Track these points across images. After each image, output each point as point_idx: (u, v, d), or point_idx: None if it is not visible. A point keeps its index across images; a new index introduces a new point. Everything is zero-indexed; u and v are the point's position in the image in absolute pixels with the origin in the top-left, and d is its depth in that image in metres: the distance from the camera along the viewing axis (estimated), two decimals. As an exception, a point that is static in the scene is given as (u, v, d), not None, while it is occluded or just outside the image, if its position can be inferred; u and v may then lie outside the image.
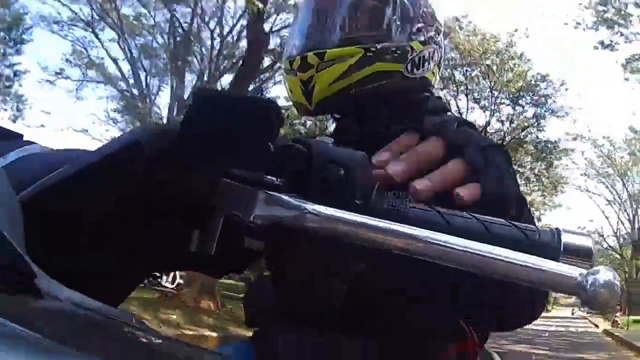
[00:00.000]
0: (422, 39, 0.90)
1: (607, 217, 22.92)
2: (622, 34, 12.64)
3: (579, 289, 0.32)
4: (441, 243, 0.35)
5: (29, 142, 0.51)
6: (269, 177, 0.39)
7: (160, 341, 0.29)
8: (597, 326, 19.25)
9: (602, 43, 13.50)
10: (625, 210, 21.88)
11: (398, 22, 0.88)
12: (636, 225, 21.00)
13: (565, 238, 0.39)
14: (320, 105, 0.86)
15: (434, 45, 0.92)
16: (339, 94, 0.84)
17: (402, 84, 0.87)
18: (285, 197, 0.38)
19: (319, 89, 0.84)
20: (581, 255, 0.38)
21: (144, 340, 0.29)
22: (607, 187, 21.22)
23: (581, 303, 0.33)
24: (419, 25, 0.91)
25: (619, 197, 21.61)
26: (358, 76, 0.84)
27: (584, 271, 0.33)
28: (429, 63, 0.91)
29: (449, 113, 0.94)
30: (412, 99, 0.93)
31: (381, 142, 0.85)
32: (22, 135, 0.54)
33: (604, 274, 0.32)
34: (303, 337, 0.73)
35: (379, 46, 0.85)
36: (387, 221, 0.37)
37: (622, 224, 22.15)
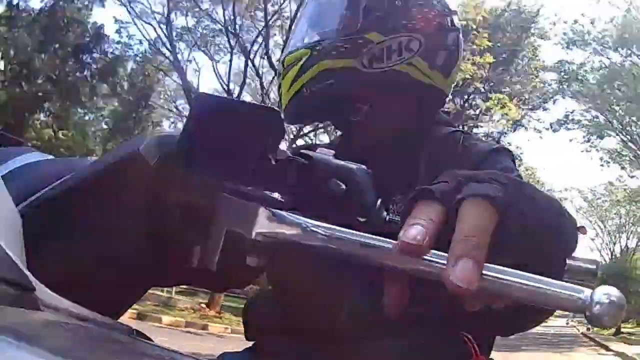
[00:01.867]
0: (382, 29, 0.82)
1: (591, 250, 29.08)
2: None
3: (585, 308, 0.32)
4: (445, 262, 0.35)
5: (30, 150, 0.51)
6: (269, 192, 0.39)
7: (159, 353, 0.29)
8: (578, 330, 28.34)
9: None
10: (606, 245, 29.09)
11: (351, 15, 0.85)
12: (614, 258, 27.73)
13: (572, 261, 0.39)
14: (287, 111, 0.88)
15: (408, 33, 0.83)
16: (295, 97, 0.86)
17: (360, 80, 0.82)
18: (287, 215, 0.38)
19: (283, 94, 0.88)
20: (585, 279, 0.38)
21: (144, 352, 0.29)
22: (592, 227, 28.01)
23: (587, 322, 0.33)
24: (379, 14, 0.84)
25: (601, 234, 28.86)
26: (307, 77, 0.84)
27: (589, 291, 0.33)
28: (399, 53, 0.82)
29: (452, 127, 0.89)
30: (424, 107, 0.89)
31: (387, 158, 0.84)
32: (21, 142, 0.54)
33: (609, 292, 0.32)
34: (303, 350, 0.73)
35: (323, 44, 0.84)
36: (389, 240, 0.37)
37: (603, 257, 28.72)
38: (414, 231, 0.36)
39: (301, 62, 0.85)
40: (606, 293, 0.32)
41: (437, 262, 0.35)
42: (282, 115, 0.84)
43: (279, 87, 0.91)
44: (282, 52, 1.02)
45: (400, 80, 0.83)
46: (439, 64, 0.85)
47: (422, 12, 0.86)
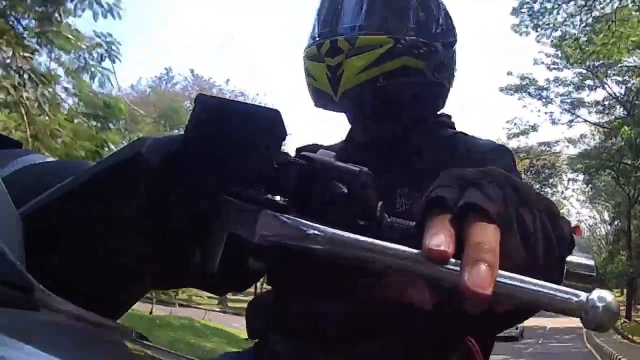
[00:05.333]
0: (444, 42, 0.88)
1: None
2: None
3: (580, 312, 0.33)
4: (445, 265, 0.35)
5: (31, 152, 0.51)
6: (271, 195, 0.38)
7: (159, 354, 0.29)
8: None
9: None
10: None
11: (425, 19, 0.87)
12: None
13: (570, 259, 0.39)
14: (345, 94, 0.82)
15: (452, 52, 0.90)
16: (366, 84, 0.81)
17: (425, 85, 0.85)
18: (289, 218, 0.38)
19: (347, 76, 0.81)
20: (584, 280, 0.38)
21: (143, 354, 0.29)
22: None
23: (583, 325, 0.34)
24: (443, 27, 0.89)
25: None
26: (387, 67, 0.81)
27: (584, 295, 0.33)
28: (447, 70, 0.88)
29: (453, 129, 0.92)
30: (430, 106, 0.92)
31: (392, 155, 0.86)
32: (21, 144, 0.54)
33: (603, 297, 0.33)
34: (304, 349, 0.73)
35: (408, 39, 0.83)
36: (389, 243, 0.36)
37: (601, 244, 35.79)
38: (440, 239, 0.36)
39: (382, 50, 0.81)
40: (601, 297, 0.33)
41: (448, 268, 0.35)
42: (336, 97, 0.83)
43: (333, 66, 0.82)
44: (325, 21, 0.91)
45: (444, 94, 0.90)
46: (453, 80, 0.92)
47: (456, 35, 0.93)
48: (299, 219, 0.38)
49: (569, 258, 0.40)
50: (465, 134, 0.89)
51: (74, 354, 0.25)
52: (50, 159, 0.51)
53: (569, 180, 29.13)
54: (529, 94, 20.42)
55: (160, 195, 0.40)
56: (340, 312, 0.67)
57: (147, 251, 0.39)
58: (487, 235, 0.36)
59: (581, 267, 0.40)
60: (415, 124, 0.89)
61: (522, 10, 13.58)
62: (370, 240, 0.37)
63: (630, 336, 16.09)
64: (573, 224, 0.45)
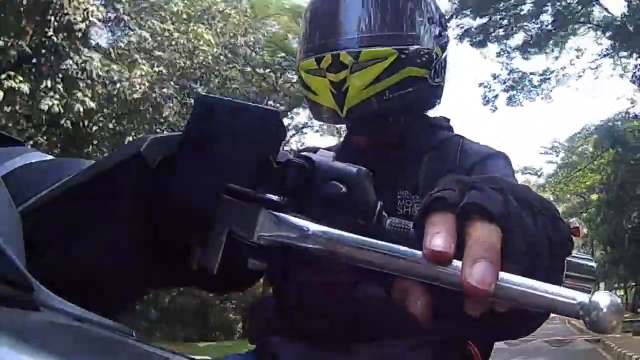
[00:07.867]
0: (441, 44, 0.87)
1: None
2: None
3: (583, 313, 0.33)
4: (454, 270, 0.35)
5: (30, 150, 0.51)
6: (270, 195, 0.39)
7: (159, 355, 0.29)
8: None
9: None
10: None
11: (424, 25, 0.84)
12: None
13: (570, 260, 0.39)
14: (352, 111, 0.79)
15: (447, 53, 0.89)
16: (373, 99, 0.79)
17: (427, 90, 0.84)
18: (288, 217, 0.38)
19: (353, 92, 0.78)
20: (583, 279, 0.39)
21: (144, 354, 0.29)
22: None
23: (586, 327, 0.33)
24: (440, 28, 0.87)
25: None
26: (393, 80, 0.79)
27: (587, 296, 0.33)
28: (444, 71, 0.87)
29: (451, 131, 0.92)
30: (429, 108, 0.92)
31: (391, 158, 0.85)
32: (22, 143, 0.54)
33: (606, 298, 0.32)
34: (305, 353, 0.72)
35: (411, 48, 0.81)
36: (389, 244, 0.36)
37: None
38: (441, 240, 0.36)
39: (387, 63, 0.79)
40: (604, 299, 0.32)
41: (448, 268, 0.35)
42: (342, 114, 0.80)
43: (337, 82, 0.79)
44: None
45: (440, 95, 0.90)
46: (445, 77, 0.92)
47: (447, 27, 0.92)
48: (298, 219, 0.38)
49: (570, 258, 0.40)
50: (464, 137, 0.89)
51: (74, 354, 0.25)
52: (51, 157, 0.50)
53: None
54: (529, 173, 30.78)
55: (160, 194, 0.40)
56: (340, 313, 0.67)
57: (147, 250, 0.39)
58: (488, 234, 0.37)
59: (582, 268, 0.40)
60: (414, 127, 0.89)
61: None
62: (369, 240, 0.37)
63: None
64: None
